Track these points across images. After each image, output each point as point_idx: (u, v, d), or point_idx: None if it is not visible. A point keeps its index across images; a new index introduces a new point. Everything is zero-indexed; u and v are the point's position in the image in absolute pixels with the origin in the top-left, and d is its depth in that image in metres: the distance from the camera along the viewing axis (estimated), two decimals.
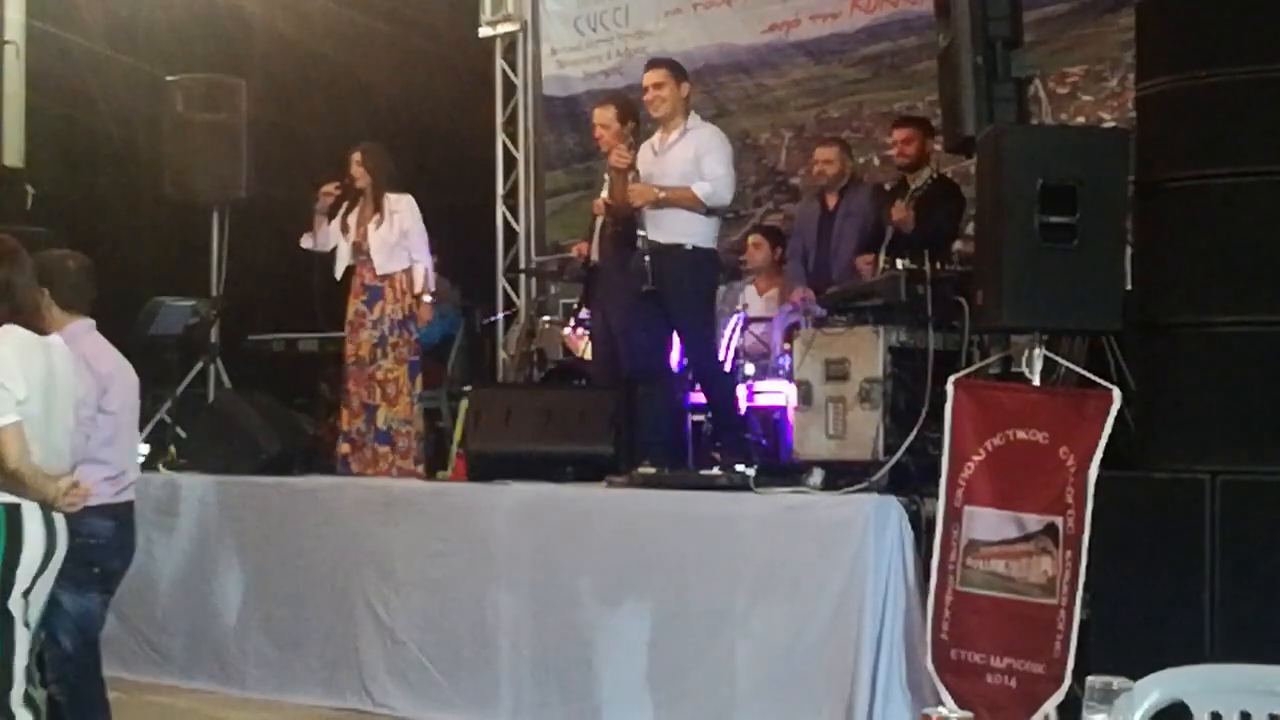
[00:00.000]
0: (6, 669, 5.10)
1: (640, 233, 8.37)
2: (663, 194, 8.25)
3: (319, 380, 11.05)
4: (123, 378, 6.39)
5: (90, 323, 6.24)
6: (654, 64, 8.70)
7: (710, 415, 8.73)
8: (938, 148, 9.01)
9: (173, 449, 9.97)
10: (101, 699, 6.42)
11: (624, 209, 8.48)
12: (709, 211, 8.27)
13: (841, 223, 9.59)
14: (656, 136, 8.55)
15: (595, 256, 9.09)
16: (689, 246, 8.28)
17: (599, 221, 9.04)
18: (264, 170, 11.14)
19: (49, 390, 5.18)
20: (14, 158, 11.25)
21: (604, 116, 8.96)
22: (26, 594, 5.15)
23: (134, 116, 11.95)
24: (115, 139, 12.11)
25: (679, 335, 8.55)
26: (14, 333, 5.11)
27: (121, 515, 6.33)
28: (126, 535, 6.41)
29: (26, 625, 5.19)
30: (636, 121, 9.06)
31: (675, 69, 8.59)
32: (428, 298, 9.53)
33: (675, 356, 8.85)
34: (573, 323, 9.93)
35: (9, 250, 5.27)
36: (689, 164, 8.29)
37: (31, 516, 5.10)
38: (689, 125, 8.48)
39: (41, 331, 5.28)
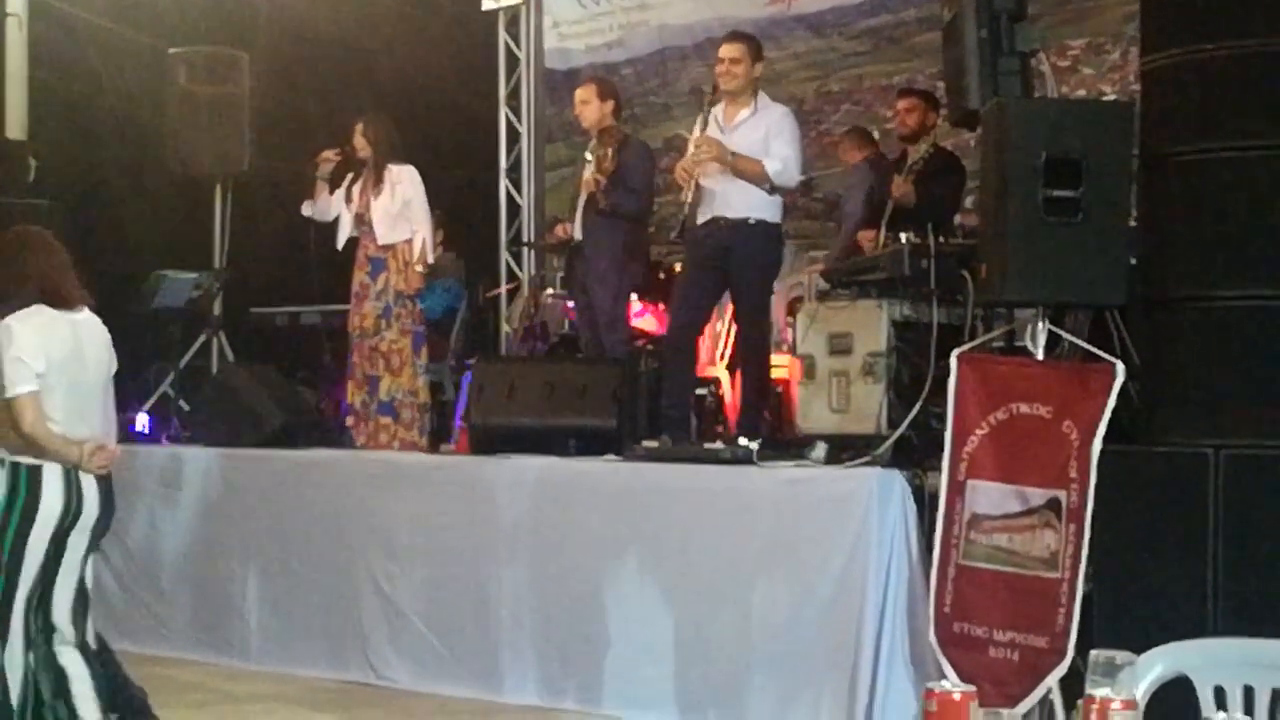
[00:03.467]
0: (4, 615, 5.71)
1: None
2: (732, 157, 8.18)
3: (322, 353, 11.07)
4: None
5: None
6: (733, 37, 8.64)
7: (742, 390, 8.69)
8: (940, 121, 8.99)
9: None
10: None
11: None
12: (772, 190, 8.25)
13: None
14: (721, 111, 8.43)
15: (578, 235, 9.16)
16: (753, 220, 8.26)
17: (582, 199, 9.12)
18: (266, 143, 11.14)
19: (74, 363, 5.74)
20: (17, 130, 11.22)
21: (585, 94, 9.34)
22: (56, 548, 5.74)
23: (137, 89, 11.93)
24: (118, 112, 12.08)
25: (734, 307, 8.59)
26: (40, 313, 5.71)
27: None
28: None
29: (51, 577, 5.77)
30: (617, 100, 9.39)
31: (753, 46, 8.51)
32: (420, 267, 9.53)
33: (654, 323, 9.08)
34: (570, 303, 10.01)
35: (33, 240, 5.89)
36: (757, 144, 8.23)
37: (52, 477, 5.69)
38: (759, 105, 8.42)
39: (69, 308, 5.81)
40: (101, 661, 6.06)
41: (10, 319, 5.65)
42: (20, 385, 5.58)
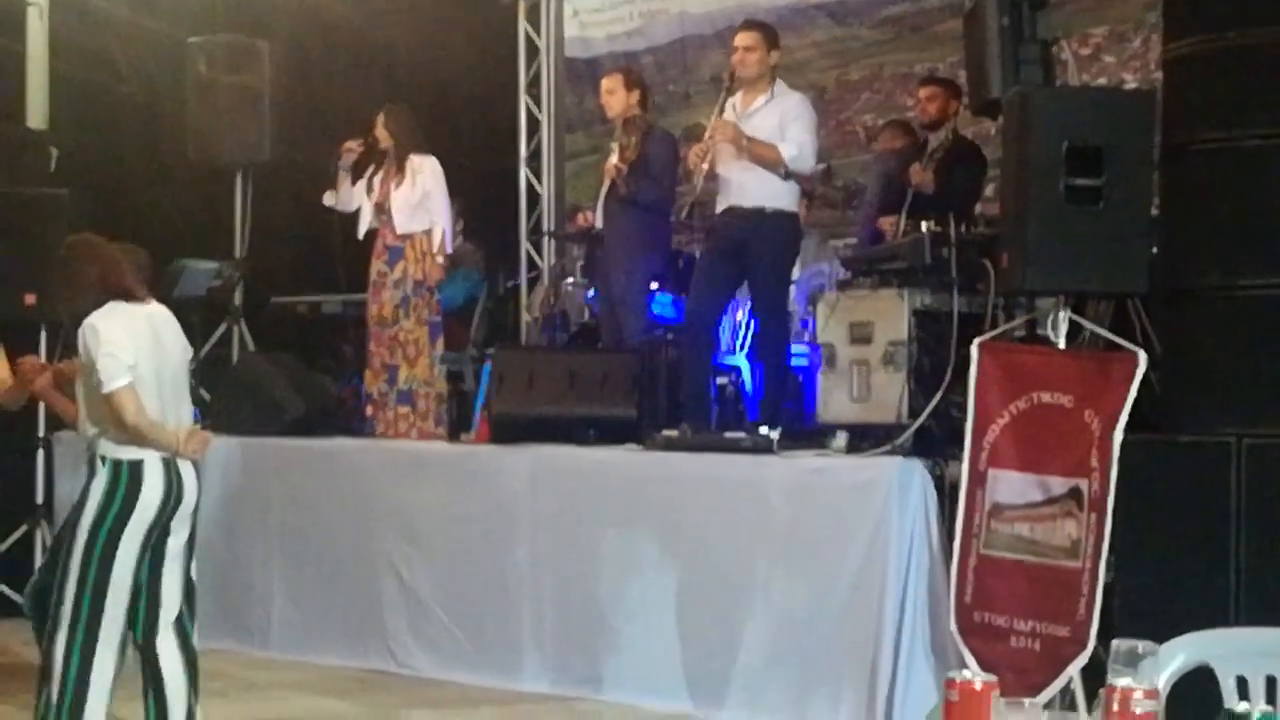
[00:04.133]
0: (100, 597, 5.76)
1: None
2: (747, 141, 8.16)
3: (342, 342, 11.07)
4: None
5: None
6: (749, 25, 8.66)
7: (760, 379, 8.69)
8: (962, 109, 8.97)
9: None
10: None
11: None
12: (787, 175, 8.23)
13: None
14: (739, 98, 8.41)
15: (599, 224, 9.17)
16: (770, 209, 8.23)
17: (604, 187, 9.12)
18: (287, 132, 11.13)
19: (157, 353, 5.92)
20: (38, 120, 11.22)
21: (611, 84, 9.34)
22: (160, 539, 5.86)
23: (157, 79, 11.91)
24: (138, 101, 12.07)
25: (751, 296, 8.57)
26: (117, 309, 5.86)
27: None
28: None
29: (157, 569, 5.90)
30: (643, 90, 9.39)
31: (768, 34, 8.51)
32: (440, 258, 9.54)
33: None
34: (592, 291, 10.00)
35: (92, 250, 6.02)
36: (773, 130, 8.21)
37: (153, 470, 5.82)
38: (776, 92, 8.40)
39: (139, 303, 5.97)
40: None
41: (92, 318, 5.78)
42: (117, 379, 5.72)
